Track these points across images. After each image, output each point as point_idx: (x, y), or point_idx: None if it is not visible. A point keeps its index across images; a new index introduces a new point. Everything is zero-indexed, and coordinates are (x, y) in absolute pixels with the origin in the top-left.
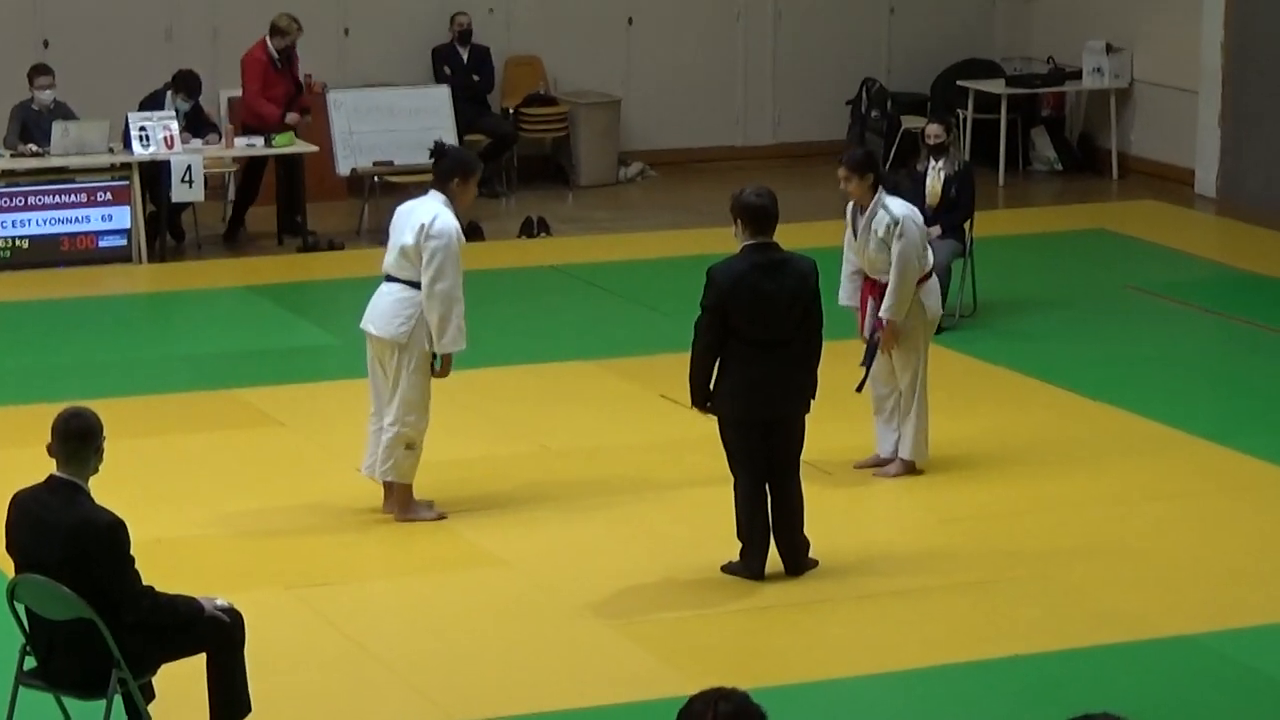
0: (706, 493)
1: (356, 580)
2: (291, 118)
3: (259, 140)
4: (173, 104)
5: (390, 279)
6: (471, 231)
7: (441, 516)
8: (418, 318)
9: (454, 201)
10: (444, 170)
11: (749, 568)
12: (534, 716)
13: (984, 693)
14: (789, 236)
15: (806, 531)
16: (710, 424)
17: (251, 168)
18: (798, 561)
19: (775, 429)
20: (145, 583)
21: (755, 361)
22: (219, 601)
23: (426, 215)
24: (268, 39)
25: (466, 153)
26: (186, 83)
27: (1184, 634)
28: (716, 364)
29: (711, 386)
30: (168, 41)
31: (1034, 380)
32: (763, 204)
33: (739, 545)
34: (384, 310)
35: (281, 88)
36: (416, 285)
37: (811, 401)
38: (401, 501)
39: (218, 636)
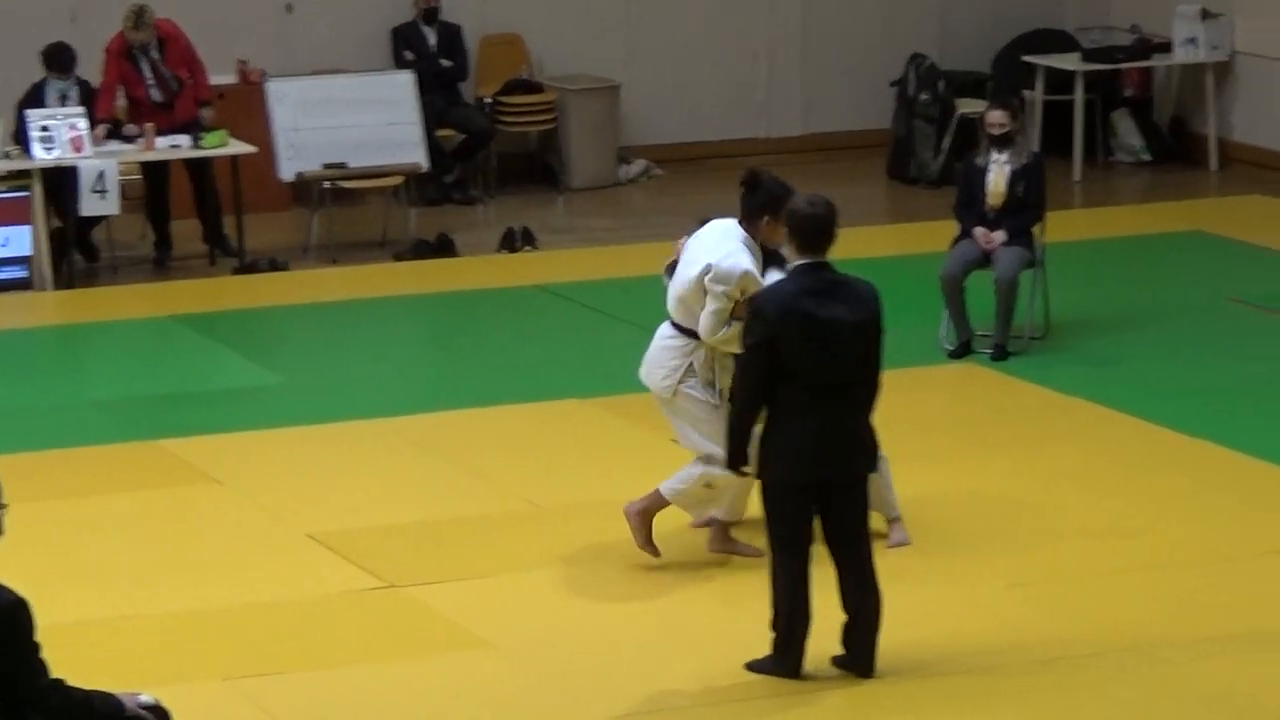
0: (729, 563)
1: (307, 668)
2: (205, 115)
3: (185, 140)
4: (54, 90)
5: (669, 320)
6: (442, 245)
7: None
8: (685, 370)
9: (756, 241)
10: (755, 205)
11: (784, 664)
12: None
13: None
14: None
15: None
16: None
17: (155, 175)
18: (872, 660)
19: (836, 494)
20: (53, 675)
21: (813, 410)
22: (143, 698)
23: (717, 251)
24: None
25: (784, 186)
26: (58, 59)
27: None
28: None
29: (755, 442)
30: (72, 23)
31: (1119, 414)
32: (817, 214)
33: (771, 635)
34: (650, 357)
35: (143, 87)
36: (692, 333)
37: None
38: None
39: None
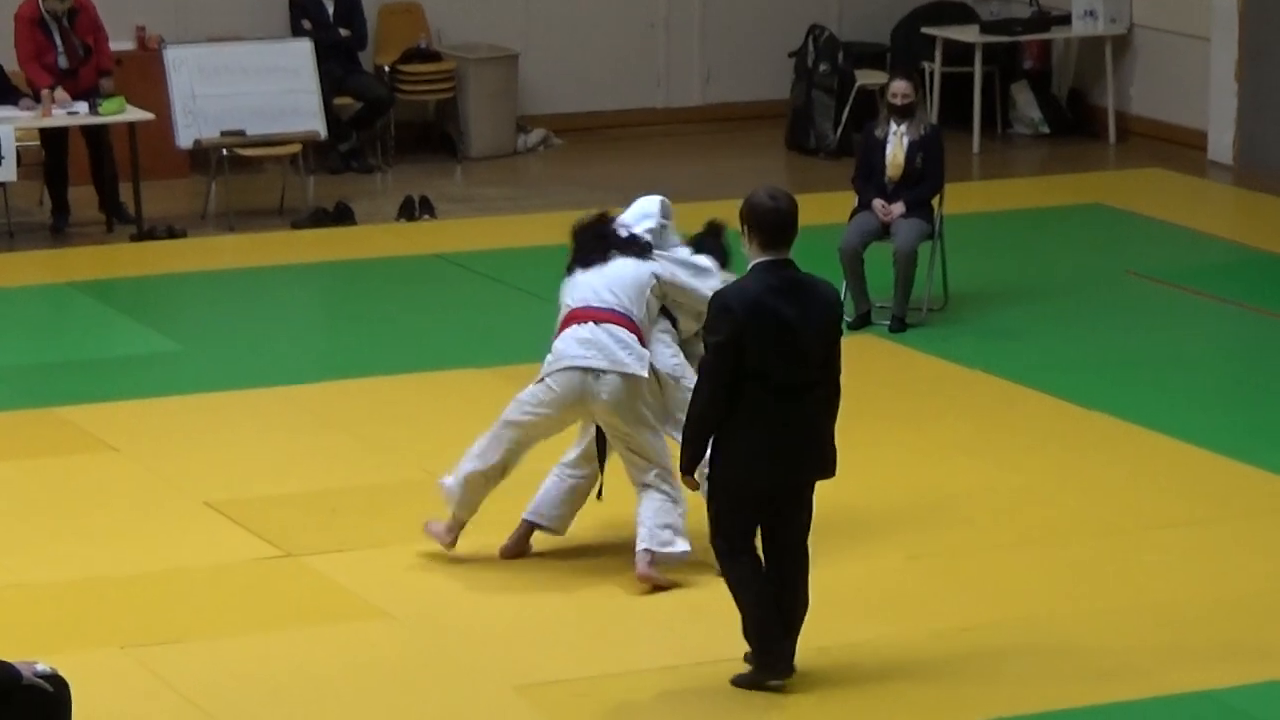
0: (620, 531)
1: (205, 637)
2: (105, 84)
3: (82, 106)
4: None
5: None
6: (341, 213)
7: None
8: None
9: None
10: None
11: (774, 668)
12: None
13: None
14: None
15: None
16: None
17: (54, 141)
18: (792, 660)
19: (786, 501)
20: None
21: (771, 414)
22: (39, 667)
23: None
24: None
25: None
26: None
27: (1198, 689)
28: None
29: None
30: None
31: (1016, 386)
32: (778, 209)
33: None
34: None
35: (54, 54)
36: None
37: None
38: None
39: (39, 709)
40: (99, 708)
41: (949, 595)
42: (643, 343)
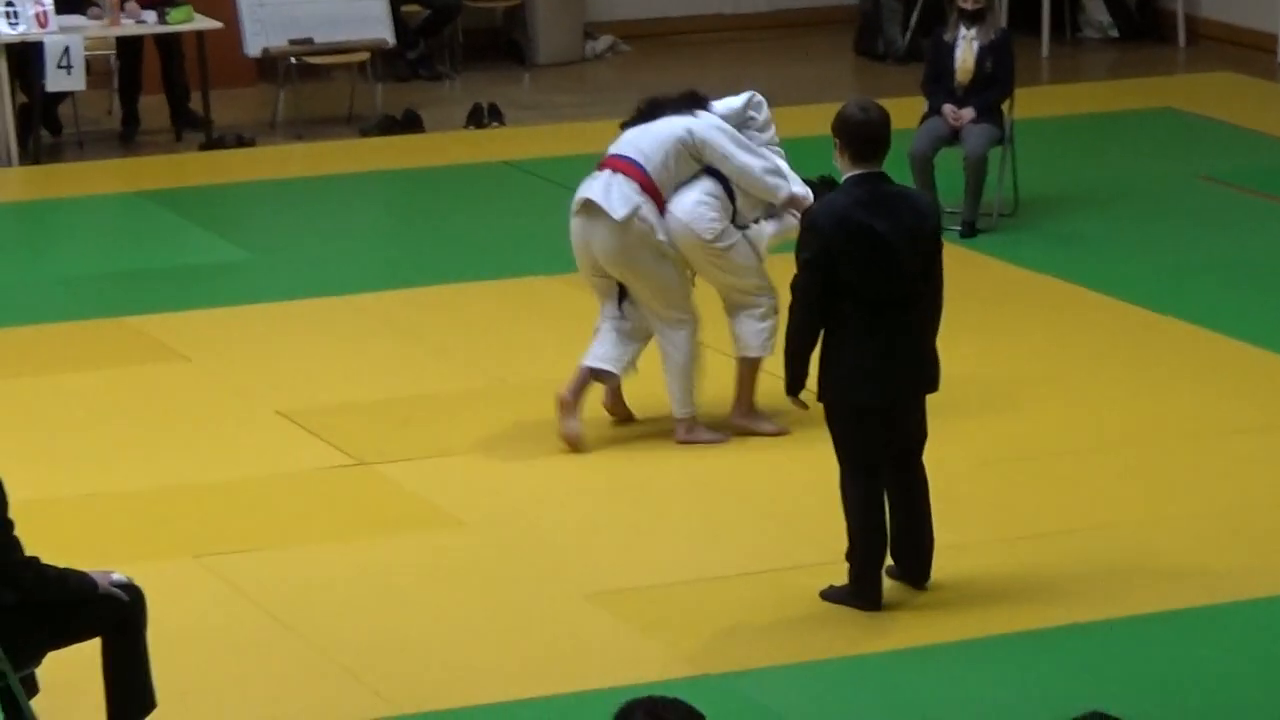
0: (706, 448)
1: (278, 546)
2: None
3: (151, 16)
4: None
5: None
6: (409, 121)
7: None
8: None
9: None
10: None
11: (863, 595)
12: (493, 706)
13: (1035, 668)
14: (793, 121)
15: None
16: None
17: (128, 50)
18: (926, 573)
19: (899, 415)
20: (27, 553)
21: (874, 329)
22: (115, 576)
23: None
24: None
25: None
26: None
27: (1273, 594)
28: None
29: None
30: None
31: (1088, 291)
32: (869, 120)
33: (845, 566)
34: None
35: None
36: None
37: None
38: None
39: (115, 618)
40: (174, 616)
41: (1020, 501)
42: (651, 192)
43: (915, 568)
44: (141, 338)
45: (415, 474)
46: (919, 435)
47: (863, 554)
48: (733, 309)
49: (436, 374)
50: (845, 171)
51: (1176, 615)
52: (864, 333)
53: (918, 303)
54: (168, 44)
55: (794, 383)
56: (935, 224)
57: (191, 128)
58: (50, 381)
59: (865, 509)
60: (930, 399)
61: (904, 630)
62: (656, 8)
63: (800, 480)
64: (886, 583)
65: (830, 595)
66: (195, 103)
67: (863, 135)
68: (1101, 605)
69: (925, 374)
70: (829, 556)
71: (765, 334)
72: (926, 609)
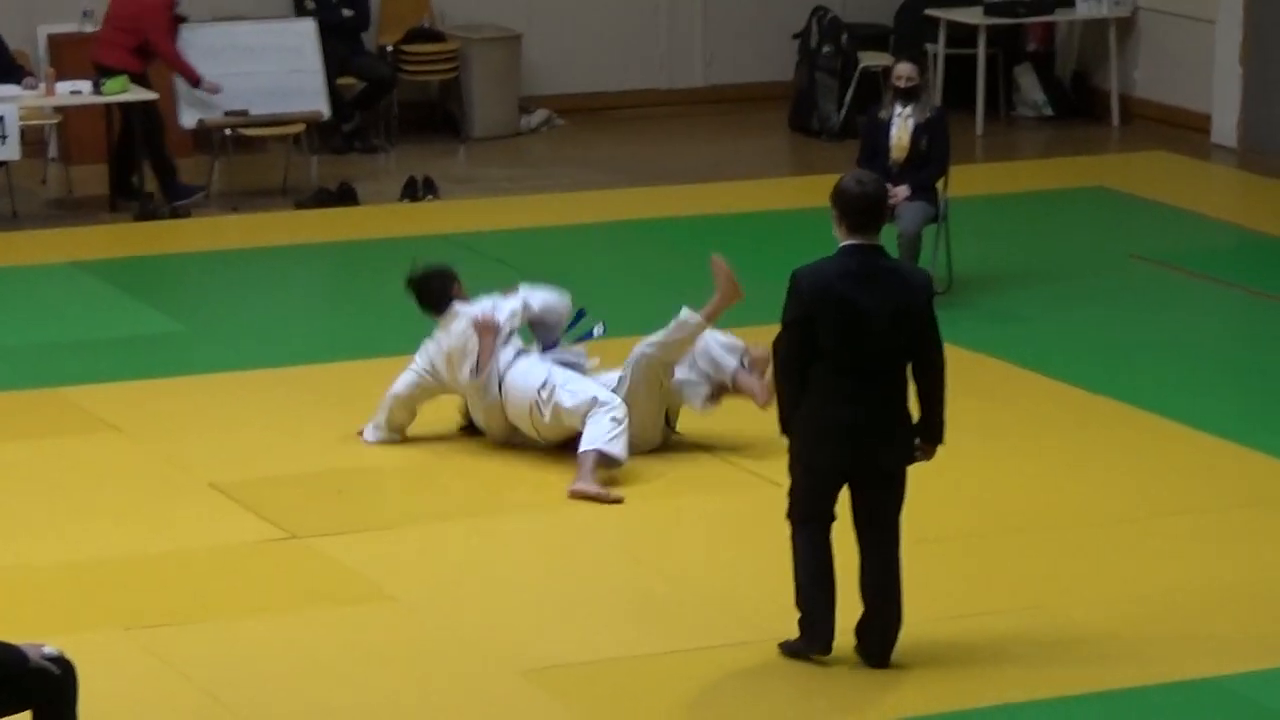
0: (647, 508)
1: (209, 619)
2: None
3: (85, 86)
4: None
5: None
6: (344, 194)
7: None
8: None
9: None
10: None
11: (815, 641)
12: None
13: None
14: (727, 197)
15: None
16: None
17: (122, 120)
18: (886, 655)
19: (866, 482)
20: None
21: (844, 394)
22: (46, 649)
23: None
24: None
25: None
26: None
27: (1206, 676)
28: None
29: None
30: None
31: (1021, 370)
32: (864, 193)
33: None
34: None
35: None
36: None
37: (930, 448)
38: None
39: (45, 691)
40: (104, 689)
41: (956, 580)
42: None
43: (876, 653)
44: (74, 408)
45: (348, 548)
46: (892, 511)
47: (804, 600)
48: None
49: (371, 448)
50: (841, 241)
51: (1107, 696)
52: (830, 396)
53: (893, 378)
54: (137, 113)
55: (784, 426)
56: (925, 299)
57: (177, 196)
58: None
59: (810, 555)
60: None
61: (841, 714)
62: (592, 82)
63: (730, 555)
64: (831, 669)
65: (786, 648)
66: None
67: (857, 207)
68: (1031, 686)
69: (887, 442)
70: (761, 635)
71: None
72: (852, 691)
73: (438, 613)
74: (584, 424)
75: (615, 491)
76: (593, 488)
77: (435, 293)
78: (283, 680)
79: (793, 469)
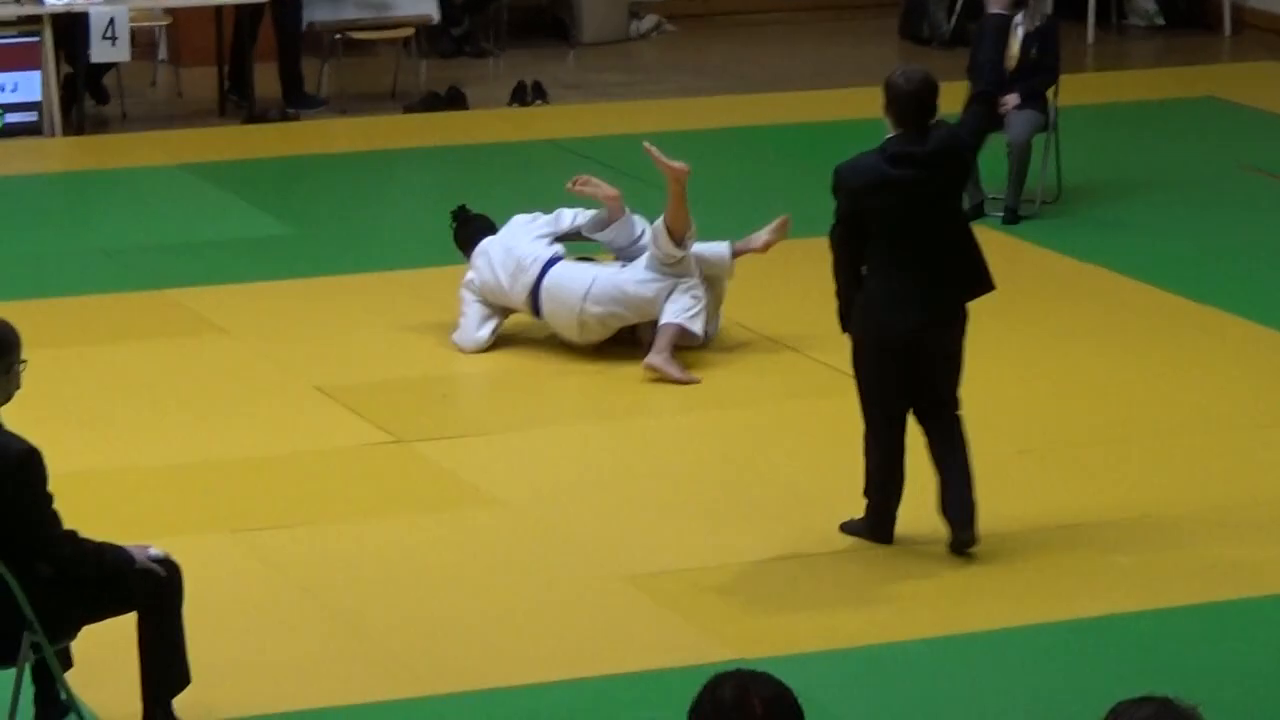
0: (750, 415)
1: (315, 523)
2: None
3: None
4: None
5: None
6: (453, 98)
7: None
8: None
9: None
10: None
11: (874, 530)
12: (528, 688)
13: (1072, 657)
14: (835, 105)
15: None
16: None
17: (249, 16)
18: (971, 530)
19: (926, 355)
20: (65, 526)
21: (903, 274)
22: (152, 551)
23: None
24: None
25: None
26: None
27: None
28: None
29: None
30: None
31: (1130, 280)
32: (909, 90)
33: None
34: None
35: None
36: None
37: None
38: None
39: (151, 593)
40: (210, 592)
41: (1056, 490)
42: None
43: (961, 522)
44: (182, 310)
45: (453, 453)
46: (950, 384)
47: (878, 491)
48: None
49: (474, 354)
50: (889, 131)
51: (1211, 608)
52: (896, 279)
53: (941, 234)
54: (287, 15)
55: (841, 318)
56: (950, 143)
57: (299, 105)
58: (90, 353)
59: (883, 450)
60: (970, 383)
61: (940, 618)
62: None
63: (830, 457)
64: (926, 555)
65: (847, 527)
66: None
67: (901, 101)
68: (1135, 597)
69: (956, 320)
70: (859, 543)
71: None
72: (961, 596)
73: (542, 518)
74: (662, 306)
75: (694, 373)
76: (672, 368)
77: (474, 233)
78: (387, 585)
79: (857, 353)
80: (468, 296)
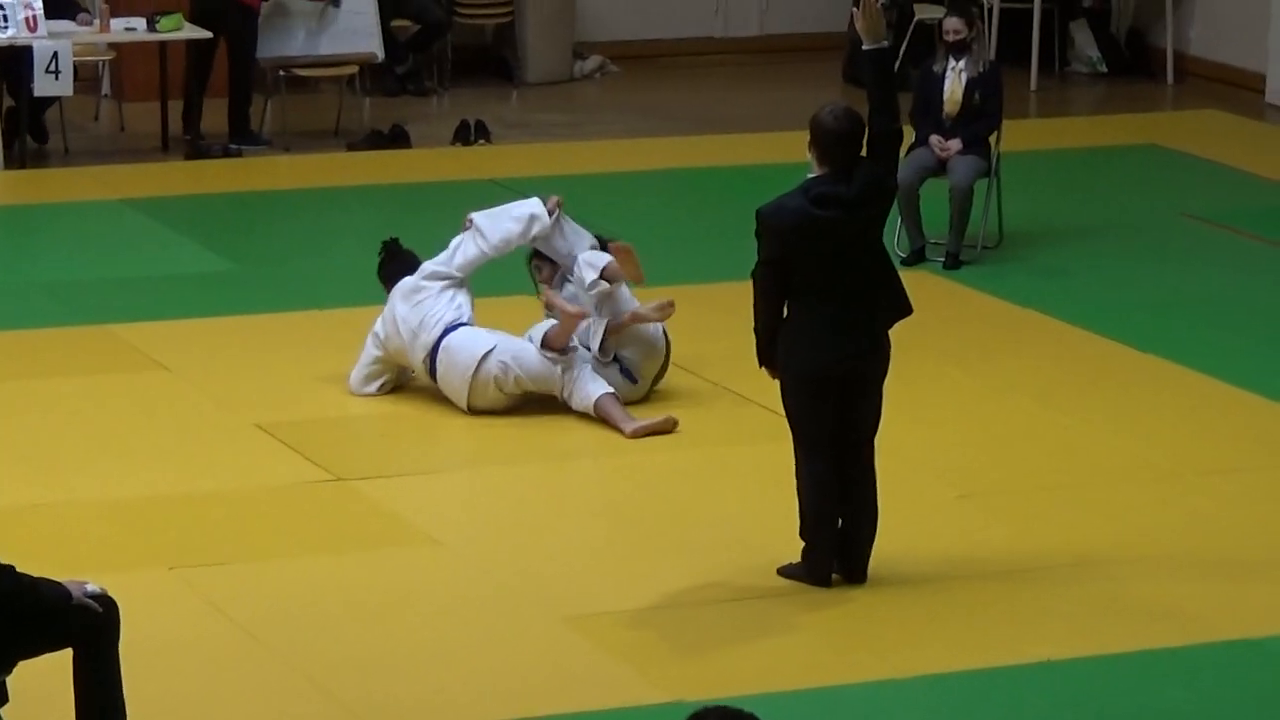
0: (690, 457)
1: (253, 560)
2: None
3: (140, 23)
4: None
5: None
6: (396, 136)
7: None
8: None
9: None
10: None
11: (813, 572)
12: None
13: (1010, 703)
14: (778, 147)
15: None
16: (697, 379)
17: (200, 52)
18: (863, 566)
19: (852, 391)
20: (1, 560)
21: (828, 310)
22: (89, 587)
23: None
24: None
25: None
26: None
27: (1246, 637)
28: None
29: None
30: None
31: (1069, 326)
32: (837, 129)
33: (799, 543)
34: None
35: None
36: None
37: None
38: None
39: (87, 629)
40: (147, 629)
41: (999, 535)
42: None
43: (854, 558)
44: (123, 345)
45: (393, 491)
46: (871, 421)
47: (813, 531)
48: None
49: (417, 391)
50: (812, 170)
51: (1148, 655)
52: (821, 313)
53: (864, 267)
54: (242, 50)
55: (762, 357)
56: (875, 186)
57: (243, 141)
58: (30, 386)
59: (816, 487)
60: (910, 427)
61: (879, 661)
62: (647, 29)
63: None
64: (864, 598)
65: (785, 571)
66: (176, 111)
67: (827, 139)
68: (1074, 643)
69: (880, 351)
70: (794, 586)
71: None
72: (899, 640)
73: (480, 558)
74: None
75: (656, 419)
76: (647, 422)
77: (398, 270)
78: (326, 622)
79: (790, 390)
80: (371, 346)
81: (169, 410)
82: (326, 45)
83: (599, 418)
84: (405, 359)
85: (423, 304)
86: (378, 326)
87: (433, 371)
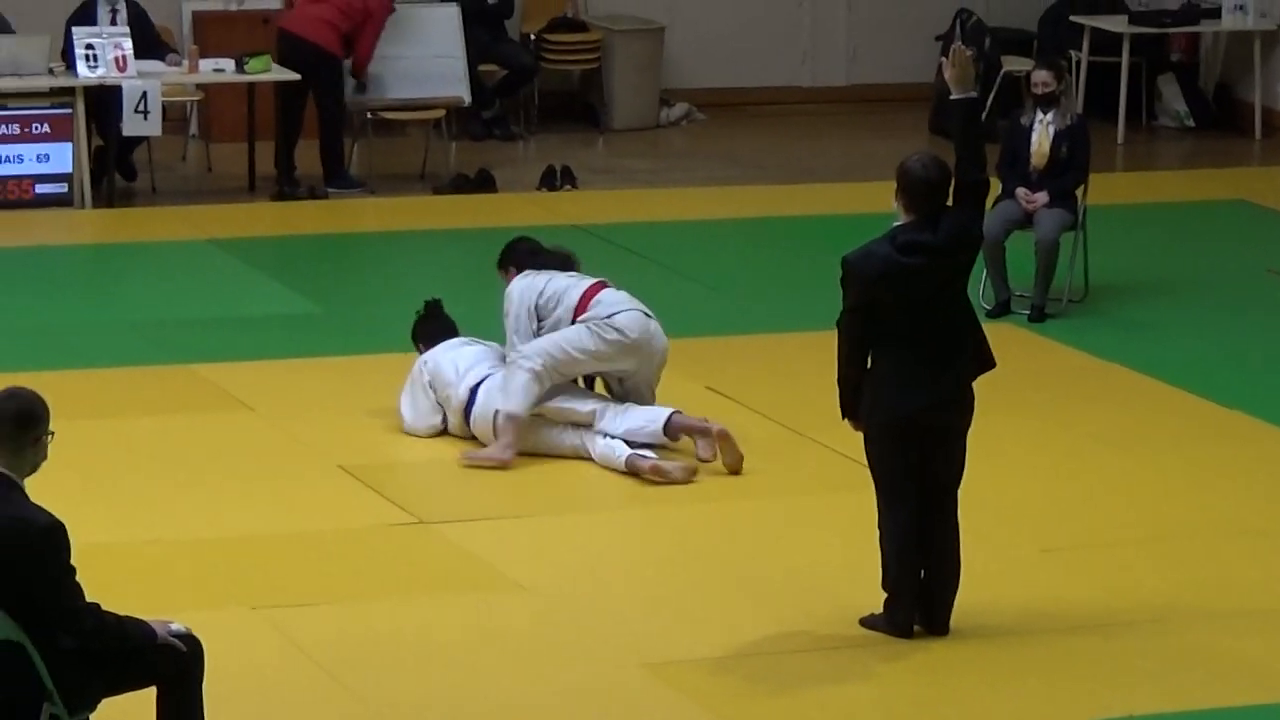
0: (770, 505)
1: (336, 601)
2: None
3: (228, 65)
4: (104, 7)
5: None
6: (482, 181)
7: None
8: None
9: None
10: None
11: (894, 623)
12: None
13: None
14: (864, 197)
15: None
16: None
17: (289, 96)
18: (945, 619)
19: (936, 438)
20: (88, 599)
21: (913, 358)
22: (174, 626)
23: None
24: None
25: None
26: None
27: None
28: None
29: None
30: None
31: (1154, 381)
32: (926, 179)
33: (883, 594)
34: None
35: None
36: None
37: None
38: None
39: (172, 667)
40: (229, 668)
41: (1082, 590)
42: None
43: (936, 610)
44: (207, 385)
45: (475, 535)
46: (955, 471)
47: (895, 581)
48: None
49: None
50: (899, 218)
51: (1232, 712)
52: (907, 362)
53: (950, 316)
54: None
55: (845, 408)
56: (964, 231)
57: (339, 184)
58: (115, 425)
59: (899, 537)
60: (993, 481)
61: (960, 714)
62: (733, 77)
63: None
64: (946, 651)
65: (867, 622)
66: (267, 152)
67: (914, 188)
68: (1156, 699)
69: (962, 392)
70: (875, 636)
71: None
72: (981, 694)
73: (561, 603)
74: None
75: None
76: (667, 464)
77: (434, 333)
78: (406, 665)
79: (874, 437)
80: (419, 383)
81: (252, 450)
82: (414, 89)
83: (629, 471)
84: (447, 400)
85: (462, 359)
86: (419, 370)
87: (468, 415)
